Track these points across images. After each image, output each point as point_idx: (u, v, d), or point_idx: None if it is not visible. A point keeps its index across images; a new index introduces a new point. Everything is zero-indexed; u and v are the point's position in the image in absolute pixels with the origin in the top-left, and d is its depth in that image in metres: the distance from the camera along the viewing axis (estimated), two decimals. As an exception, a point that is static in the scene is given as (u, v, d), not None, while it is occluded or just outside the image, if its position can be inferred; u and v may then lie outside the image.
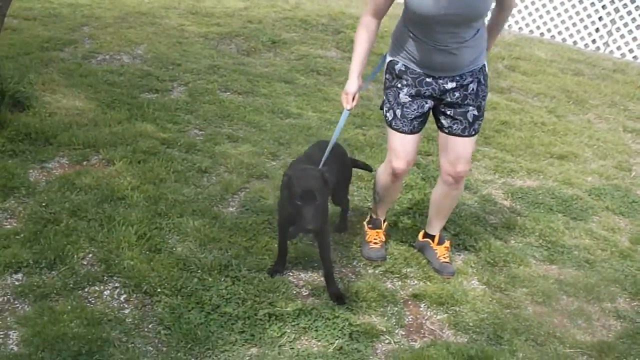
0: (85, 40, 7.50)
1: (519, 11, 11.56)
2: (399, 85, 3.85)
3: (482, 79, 3.83)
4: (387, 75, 3.92)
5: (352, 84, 3.75)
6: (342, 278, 3.94)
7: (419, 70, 3.79)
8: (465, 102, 3.80)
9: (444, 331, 3.68)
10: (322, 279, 3.86)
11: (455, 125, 3.85)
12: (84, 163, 4.82)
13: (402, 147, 3.91)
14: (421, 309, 3.84)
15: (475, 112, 3.84)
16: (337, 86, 7.06)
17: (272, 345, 3.31)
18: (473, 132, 3.88)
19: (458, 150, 3.91)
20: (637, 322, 4.06)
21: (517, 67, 9.29)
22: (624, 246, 4.93)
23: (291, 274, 3.92)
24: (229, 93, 6.60)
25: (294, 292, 3.74)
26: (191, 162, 4.99)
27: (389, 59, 3.92)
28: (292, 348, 3.31)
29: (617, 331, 3.96)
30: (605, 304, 4.21)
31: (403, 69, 3.82)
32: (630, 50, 10.95)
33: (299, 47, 8.47)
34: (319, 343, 3.38)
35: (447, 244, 4.24)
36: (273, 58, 7.97)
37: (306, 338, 3.41)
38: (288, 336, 3.39)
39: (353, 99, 3.77)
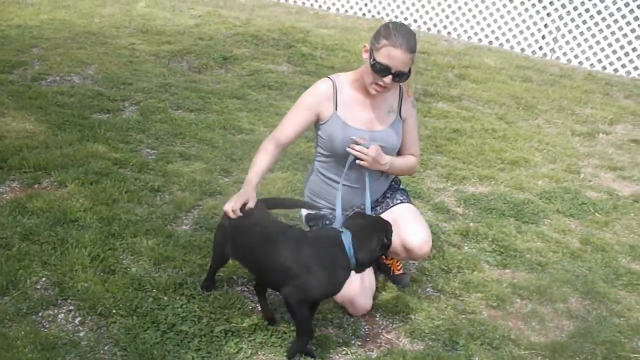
0: (34, 62, 7.44)
1: (467, 20, 11.73)
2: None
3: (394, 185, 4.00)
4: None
5: (246, 189, 3.54)
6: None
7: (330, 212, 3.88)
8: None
9: (400, 340, 3.71)
10: (278, 294, 3.86)
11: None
12: (36, 186, 4.77)
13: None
14: (377, 318, 3.86)
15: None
16: (288, 100, 7.09)
17: (229, 362, 3.30)
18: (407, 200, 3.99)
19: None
20: (588, 321, 4.14)
21: (467, 76, 9.42)
22: (574, 247, 5.02)
23: (246, 290, 3.91)
24: (180, 111, 6.58)
25: (250, 307, 3.73)
26: (144, 182, 4.96)
27: (305, 213, 3.99)
28: (249, 363, 3.31)
29: (570, 331, 4.03)
30: (557, 304, 4.28)
31: (326, 214, 3.90)
32: (576, 56, 11.18)
33: (250, 63, 8.49)
34: (276, 358, 3.38)
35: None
36: (224, 74, 7.98)
37: (263, 353, 3.41)
38: (245, 352, 3.38)
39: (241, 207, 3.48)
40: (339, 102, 3.70)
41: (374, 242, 3.31)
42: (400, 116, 3.84)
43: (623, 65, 10.97)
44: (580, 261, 4.84)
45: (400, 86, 3.83)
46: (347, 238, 3.26)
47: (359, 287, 3.70)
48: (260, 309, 3.65)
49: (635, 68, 10.91)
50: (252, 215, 3.42)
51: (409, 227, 3.79)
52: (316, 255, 3.23)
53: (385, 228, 3.40)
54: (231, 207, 3.39)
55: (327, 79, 3.75)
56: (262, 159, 3.61)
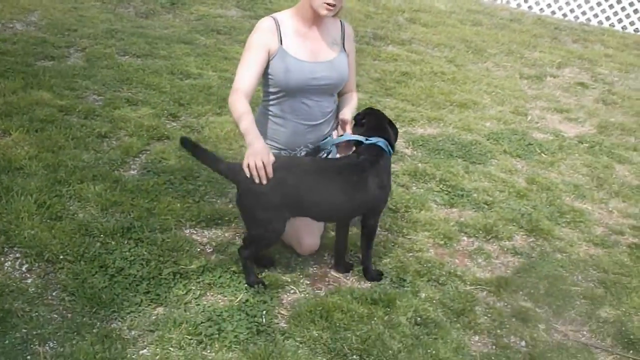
0: (-26, 10, 7.23)
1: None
2: None
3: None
4: None
5: (261, 144, 3.36)
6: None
7: (279, 152, 3.84)
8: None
9: (348, 278, 3.75)
10: (227, 235, 3.88)
11: None
12: (-21, 135, 4.67)
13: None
14: (325, 258, 3.89)
15: None
16: (237, 45, 7.02)
17: (177, 303, 3.30)
18: None
19: None
20: (532, 257, 4.23)
21: (417, 19, 9.41)
22: (520, 186, 5.11)
23: (195, 232, 3.91)
24: (127, 57, 6.48)
25: (198, 249, 3.73)
26: (90, 128, 4.89)
27: None
28: (198, 304, 3.31)
29: (515, 267, 4.12)
30: (503, 242, 4.37)
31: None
32: (526, 0, 11.21)
33: (198, 8, 8.36)
34: (225, 298, 3.39)
35: None
36: (172, 19, 7.86)
37: (212, 294, 3.42)
38: (193, 293, 3.39)
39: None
40: (283, 36, 3.69)
41: (390, 132, 3.70)
42: (345, 50, 3.85)
43: (572, 10, 11.07)
44: (526, 200, 4.93)
45: (340, 21, 3.88)
46: (383, 144, 3.59)
47: (306, 227, 3.73)
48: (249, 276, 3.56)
49: (584, 13, 11.02)
50: (287, 165, 3.41)
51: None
52: (384, 173, 3.57)
53: (384, 116, 3.78)
54: (260, 165, 3.26)
55: (267, 17, 3.75)
56: (245, 107, 3.51)
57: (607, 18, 10.94)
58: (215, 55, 6.75)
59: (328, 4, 3.58)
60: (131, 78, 5.91)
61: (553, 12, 11.09)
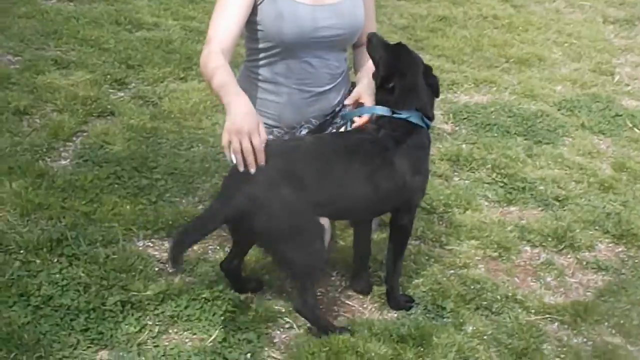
0: None
1: None
2: None
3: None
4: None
5: (244, 106, 3.29)
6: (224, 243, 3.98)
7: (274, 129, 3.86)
8: None
9: (365, 306, 3.78)
10: (195, 248, 3.91)
11: None
12: None
13: None
14: (333, 278, 3.93)
15: None
16: (208, -20, 7.05)
17: (128, 345, 3.32)
18: None
19: None
20: (622, 274, 4.26)
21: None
22: (604, 175, 5.14)
23: (151, 245, 3.95)
24: (54, 0, 6.55)
25: (156, 269, 3.77)
26: (4, 102, 4.96)
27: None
28: (157, 345, 3.33)
29: (598, 287, 4.15)
30: (582, 253, 4.39)
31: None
32: None
33: None
34: (194, 336, 3.42)
35: None
36: (117, -55, 7.89)
37: (175, 330, 3.44)
38: (150, 330, 3.41)
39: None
40: None
41: (427, 95, 3.65)
42: None
43: None
44: (613, 193, 4.96)
45: None
46: (418, 119, 3.57)
47: None
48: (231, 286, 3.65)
49: None
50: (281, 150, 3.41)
51: None
52: (418, 153, 3.60)
53: (418, 66, 3.65)
54: (248, 147, 3.16)
55: None
56: (221, 61, 3.42)
57: None
58: (177, -3, 6.80)
59: None
60: (60, 30, 5.97)
61: None
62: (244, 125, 3.13)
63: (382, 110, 3.56)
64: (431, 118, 3.65)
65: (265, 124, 3.77)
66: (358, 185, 3.41)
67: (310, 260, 3.36)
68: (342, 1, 3.77)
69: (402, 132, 3.50)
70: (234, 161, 3.14)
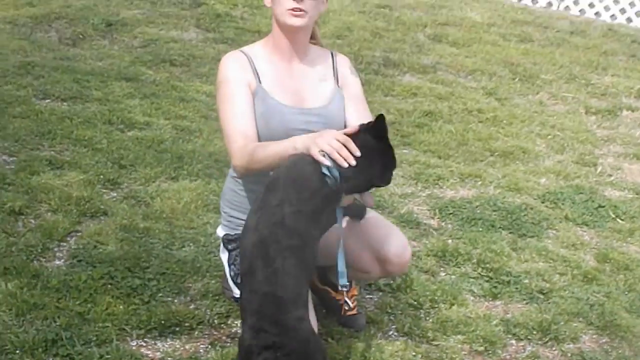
0: None
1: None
2: None
3: None
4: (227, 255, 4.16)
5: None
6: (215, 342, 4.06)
7: None
8: None
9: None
10: (187, 347, 3.99)
11: None
12: None
13: None
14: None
15: None
16: (197, 79, 7.22)
17: None
18: None
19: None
20: (607, 364, 4.34)
21: (443, 37, 9.65)
22: (588, 266, 5.24)
23: (144, 344, 4.01)
24: (48, 100, 6.68)
25: (159, 365, 3.85)
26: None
27: (223, 233, 4.18)
28: None
29: (582, 379, 4.23)
30: (566, 345, 4.46)
31: None
32: (591, 5, 11.47)
33: (144, 29, 8.59)
34: None
35: (354, 290, 4.40)
36: (109, 47, 8.07)
37: None
38: None
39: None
40: (260, 73, 3.87)
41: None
42: (339, 87, 4.04)
43: (654, 16, 11.30)
44: (596, 285, 5.05)
45: (331, 52, 4.11)
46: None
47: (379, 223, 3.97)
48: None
49: (671, 19, 11.26)
50: None
51: (378, 232, 3.98)
52: None
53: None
54: (338, 145, 3.34)
55: (233, 51, 3.97)
56: (256, 143, 3.69)
57: None
58: (168, 97, 6.94)
59: (292, 9, 3.75)
60: (54, 131, 6.07)
61: (629, 20, 11.33)
62: (323, 134, 3.39)
63: None
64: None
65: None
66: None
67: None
68: (327, 105, 3.93)
69: None
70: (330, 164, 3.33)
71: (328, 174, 3.37)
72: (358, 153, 3.32)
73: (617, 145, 7.30)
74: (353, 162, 3.31)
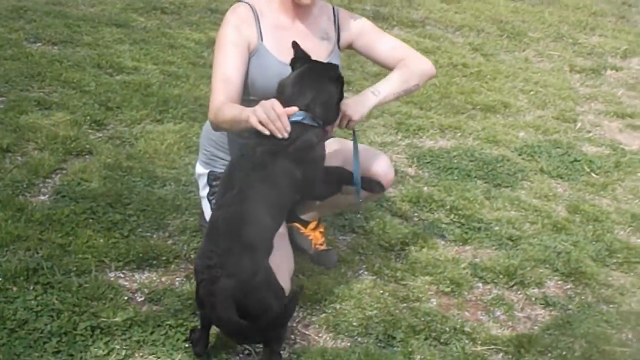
0: None
1: None
2: None
3: None
4: (209, 190, 4.28)
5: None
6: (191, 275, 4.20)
7: None
8: None
9: (320, 335, 3.98)
10: (163, 279, 4.15)
11: None
12: None
13: None
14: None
15: None
16: (187, 27, 7.33)
17: (96, 367, 3.56)
18: None
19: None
20: (568, 309, 4.49)
21: (433, -8, 9.71)
22: (559, 217, 5.39)
23: (122, 275, 4.16)
24: (39, 44, 6.79)
25: (125, 298, 3.96)
26: (-13, 140, 5.17)
27: (203, 171, 4.32)
28: (124, 368, 3.57)
29: (544, 322, 4.37)
30: (531, 289, 4.62)
31: None
32: (583, -36, 11.52)
33: (137, -23, 8.66)
34: (158, 358, 3.65)
35: (322, 227, 4.58)
36: (101, -7, 8.16)
37: (141, 354, 3.63)
38: (117, 353, 3.60)
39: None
40: (263, 30, 3.99)
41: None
42: (339, 45, 4.18)
43: (646, -22, 11.36)
44: (565, 234, 5.20)
45: (333, 8, 4.21)
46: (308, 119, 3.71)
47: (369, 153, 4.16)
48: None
49: (663, -20, 11.32)
50: None
51: (368, 154, 4.24)
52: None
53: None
54: (273, 115, 3.47)
55: (242, 3, 4.04)
56: (225, 103, 3.79)
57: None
58: (157, 43, 7.05)
59: None
60: (44, 73, 6.20)
61: (621, -19, 11.38)
62: (261, 103, 3.49)
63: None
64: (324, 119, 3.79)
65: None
66: (271, 202, 3.66)
67: (284, 322, 3.61)
68: (328, 60, 4.07)
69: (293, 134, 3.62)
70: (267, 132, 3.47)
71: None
72: (289, 129, 3.48)
73: (599, 103, 7.41)
74: (285, 135, 3.48)
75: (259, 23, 3.97)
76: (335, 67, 3.87)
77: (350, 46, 4.25)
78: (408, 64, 4.16)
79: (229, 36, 3.94)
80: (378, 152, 4.39)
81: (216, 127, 3.93)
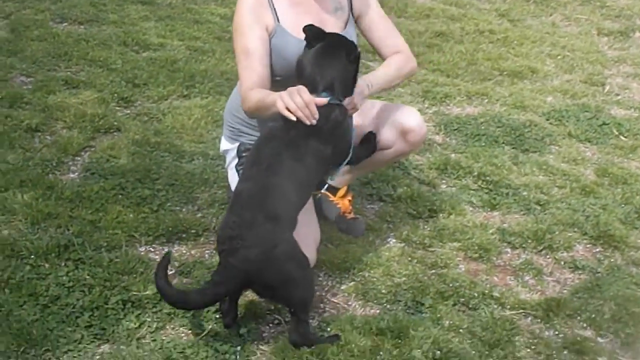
0: None
1: None
2: None
3: None
4: (237, 161, 4.30)
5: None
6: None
7: None
8: None
9: (349, 303, 4.03)
10: (193, 252, 4.20)
11: None
12: None
13: None
14: (320, 278, 4.17)
15: None
16: (212, 2, 7.35)
17: (128, 339, 3.59)
18: None
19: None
20: (597, 273, 4.49)
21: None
22: (587, 180, 5.38)
23: (152, 250, 4.22)
24: (65, 24, 6.84)
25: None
26: (17, 120, 5.23)
27: (230, 146, 4.35)
28: (154, 340, 3.60)
29: (573, 285, 4.38)
30: (560, 253, 4.62)
31: None
32: None
33: (162, -48, 8.70)
34: (189, 331, 3.67)
35: (350, 195, 4.61)
36: (126, -30, 8.19)
37: (172, 326, 3.70)
38: (149, 326, 3.67)
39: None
40: (278, 11, 4.01)
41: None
42: (353, 14, 4.20)
43: None
44: (594, 197, 5.19)
45: None
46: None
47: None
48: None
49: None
50: None
51: (399, 109, 4.45)
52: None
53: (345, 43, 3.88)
54: (301, 102, 3.51)
55: None
56: (252, 90, 3.85)
57: None
58: (182, 19, 7.09)
59: None
60: (70, 52, 6.25)
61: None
62: (288, 90, 3.53)
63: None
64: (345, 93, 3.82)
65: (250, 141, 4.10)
66: (298, 179, 3.70)
67: (309, 292, 3.66)
68: (345, 31, 4.09)
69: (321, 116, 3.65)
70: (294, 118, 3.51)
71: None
72: (317, 116, 3.51)
73: (627, 65, 7.36)
74: (314, 122, 3.51)
75: (272, 4, 3.99)
76: (353, 46, 3.87)
77: (356, 19, 4.26)
78: (401, 65, 4.26)
79: (246, 20, 3.96)
80: (409, 107, 4.56)
81: (250, 115, 3.99)
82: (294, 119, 3.50)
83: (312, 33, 3.82)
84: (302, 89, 3.54)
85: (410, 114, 4.39)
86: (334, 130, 3.72)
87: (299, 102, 3.48)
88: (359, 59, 3.84)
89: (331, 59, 3.79)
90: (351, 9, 4.19)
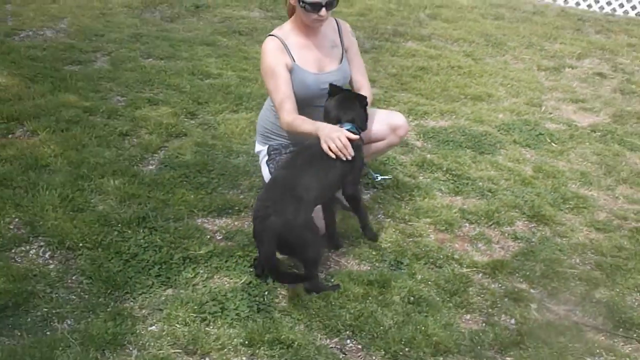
0: (7, 19, 7.61)
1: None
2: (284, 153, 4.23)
3: None
4: (268, 158, 4.26)
5: (328, 126, 3.81)
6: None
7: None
8: None
9: (348, 262, 3.99)
10: (236, 223, 4.16)
11: None
12: (9, 136, 4.98)
13: None
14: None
15: None
16: (257, 45, 7.26)
17: (186, 285, 3.59)
18: None
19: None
20: (532, 242, 4.41)
21: (438, 15, 9.59)
22: (526, 175, 5.28)
23: (206, 221, 4.20)
24: (150, 59, 6.79)
25: (208, 237, 4.01)
26: (112, 127, 5.20)
27: (262, 148, 4.30)
28: (205, 286, 3.59)
29: (514, 251, 4.31)
30: (504, 227, 4.55)
31: (284, 144, 4.22)
32: (548, -8, 11.28)
33: (222, 10, 8.66)
34: (230, 280, 3.66)
35: None
36: (196, 22, 8.17)
37: (218, 276, 3.69)
38: (201, 276, 3.66)
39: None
40: (293, 53, 4.01)
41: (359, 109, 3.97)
42: (344, 49, 4.18)
43: (596, 0, 11.10)
44: (531, 187, 5.10)
45: (336, 20, 4.20)
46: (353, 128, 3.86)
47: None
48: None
49: (609, 3, 11.06)
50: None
51: (389, 112, 4.50)
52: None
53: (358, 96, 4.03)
54: (340, 145, 3.66)
55: (270, 37, 4.05)
56: (297, 117, 3.89)
57: (633, 7, 10.95)
58: (235, 56, 7.04)
59: (318, 18, 3.90)
60: (153, 79, 6.22)
61: (577, 3, 11.15)
62: (331, 133, 3.67)
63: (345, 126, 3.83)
64: (362, 127, 3.97)
65: (279, 143, 4.05)
66: (321, 179, 3.69)
67: (318, 254, 3.67)
68: (339, 67, 4.09)
69: None
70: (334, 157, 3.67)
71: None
72: (353, 154, 3.70)
73: (559, 92, 7.25)
74: (349, 158, 3.69)
75: (287, 49, 3.97)
76: (364, 98, 3.99)
77: (345, 52, 4.25)
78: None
79: (273, 61, 3.96)
80: (398, 112, 4.67)
81: (287, 131, 4.02)
82: (334, 157, 3.65)
83: (333, 88, 3.94)
84: (341, 134, 3.66)
85: (398, 115, 4.44)
86: (356, 152, 3.76)
87: (339, 145, 3.63)
88: (367, 105, 3.99)
89: (350, 102, 3.93)
90: (342, 44, 4.18)
